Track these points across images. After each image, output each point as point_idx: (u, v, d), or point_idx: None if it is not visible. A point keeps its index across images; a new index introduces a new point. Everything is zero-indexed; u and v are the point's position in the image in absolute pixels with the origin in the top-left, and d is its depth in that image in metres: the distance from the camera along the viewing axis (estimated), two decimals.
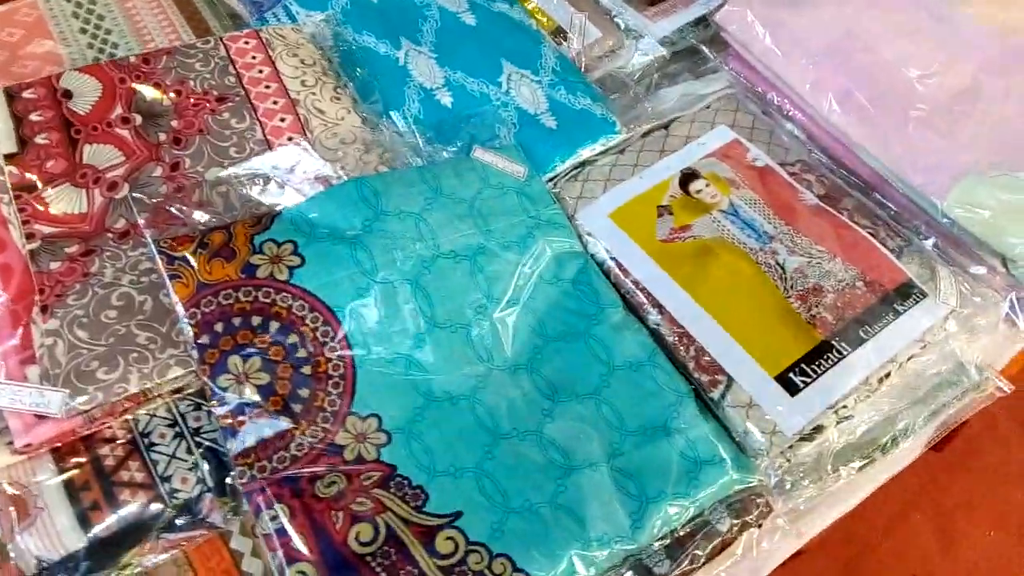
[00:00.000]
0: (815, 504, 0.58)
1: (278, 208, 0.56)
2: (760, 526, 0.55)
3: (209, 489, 0.48)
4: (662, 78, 0.80)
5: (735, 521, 0.53)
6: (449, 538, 0.47)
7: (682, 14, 0.80)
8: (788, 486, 0.55)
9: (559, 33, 0.77)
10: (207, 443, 0.49)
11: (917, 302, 0.58)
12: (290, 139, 0.62)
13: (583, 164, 0.69)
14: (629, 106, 0.75)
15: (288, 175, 0.59)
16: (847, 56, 0.68)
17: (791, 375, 0.55)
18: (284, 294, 0.52)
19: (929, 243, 0.64)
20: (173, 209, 0.56)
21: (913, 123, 0.64)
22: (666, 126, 0.72)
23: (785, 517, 0.56)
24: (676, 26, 0.79)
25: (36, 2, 0.72)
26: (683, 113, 0.72)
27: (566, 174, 0.69)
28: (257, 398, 0.48)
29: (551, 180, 0.69)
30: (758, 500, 0.54)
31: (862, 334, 0.57)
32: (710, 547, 0.52)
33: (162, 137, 0.60)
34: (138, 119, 0.61)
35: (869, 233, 0.63)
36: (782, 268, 0.60)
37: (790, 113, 0.71)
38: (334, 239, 0.54)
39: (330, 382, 0.50)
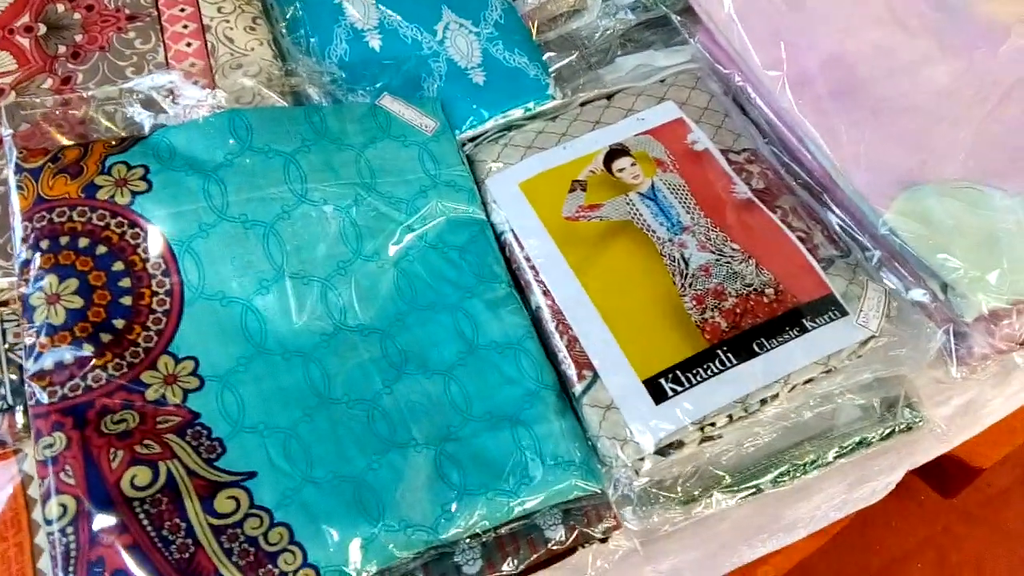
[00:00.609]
0: (680, 528, 0.52)
1: (147, 132, 0.54)
2: (605, 541, 0.49)
3: (10, 407, 0.46)
4: (632, 45, 0.73)
5: (571, 531, 0.48)
6: (232, 497, 0.44)
7: None
8: (642, 502, 0.49)
9: None
10: (20, 360, 0.47)
11: (831, 320, 0.51)
12: (192, 65, 0.60)
13: (510, 127, 0.64)
14: (580, 71, 0.68)
15: (173, 99, 0.56)
16: (815, 36, 0.59)
17: (662, 381, 0.49)
18: (120, 219, 0.49)
19: (874, 257, 0.55)
20: (51, 126, 0.55)
21: (873, 118, 0.56)
22: (610, 96, 0.65)
23: (639, 538, 0.50)
24: None
25: None
26: (632, 84, 0.66)
27: (490, 135, 0.64)
28: (64, 320, 0.46)
29: (473, 140, 0.64)
30: (604, 512, 0.49)
31: (755, 347, 0.50)
32: (534, 555, 0.47)
33: (61, 50, 0.59)
34: (42, 29, 0.59)
35: (800, 237, 0.55)
36: (686, 263, 0.54)
37: (750, 96, 0.63)
38: (189, 169, 0.51)
39: (151, 317, 0.48)
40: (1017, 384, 0.71)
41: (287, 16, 0.67)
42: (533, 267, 0.56)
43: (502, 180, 0.60)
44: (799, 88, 0.58)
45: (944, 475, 1.27)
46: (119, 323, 0.47)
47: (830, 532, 0.97)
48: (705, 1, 0.64)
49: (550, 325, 0.53)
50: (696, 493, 0.50)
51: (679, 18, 0.69)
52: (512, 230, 0.58)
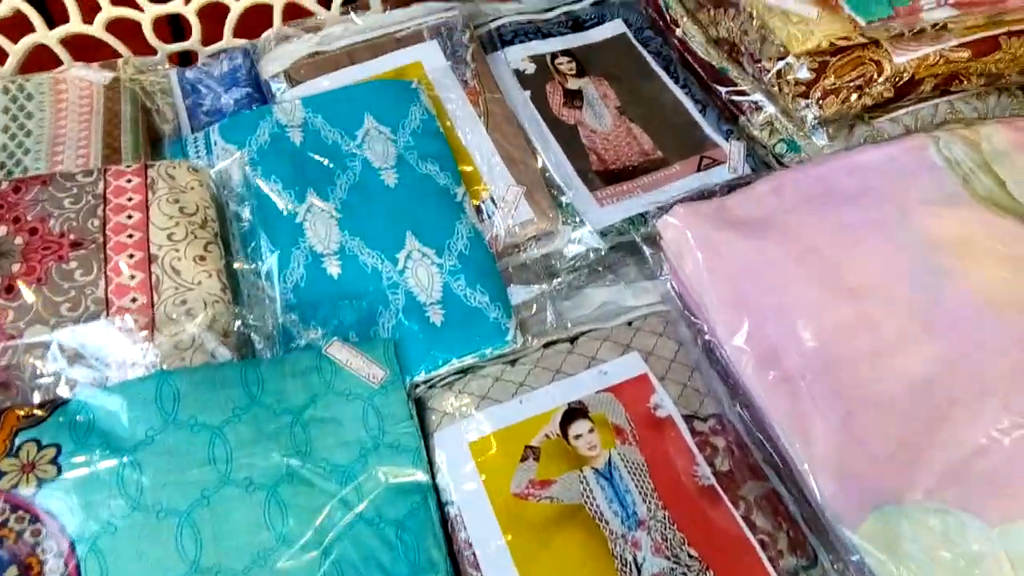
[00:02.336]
0: None
1: (68, 396, 0.50)
2: None
3: None
4: (602, 269, 0.70)
5: None
6: None
7: (637, 201, 0.71)
8: None
9: (492, 204, 0.69)
10: None
11: None
12: (134, 300, 0.57)
13: (467, 369, 0.61)
14: (541, 305, 0.65)
15: (101, 354, 0.53)
16: (786, 306, 0.56)
17: None
18: (21, 512, 0.45)
19: (842, 570, 0.51)
20: None
21: (846, 415, 0.52)
22: (573, 339, 0.62)
23: None
24: (626, 215, 0.70)
25: None
26: (598, 327, 0.63)
27: (444, 379, 0.60)
28: None
29: (427, 382, 0.60)
30: None
31: None
32: None
33: None
34: None
35: (762, 541, 0.51)
36: (638, 569, 0.49)
37: (717, 355, 0.60)
38: (105, 448, 0.48)
39: None
40: None
41: (243, 233, 0.65)
42: (473, 554, 0.51)
43: (452, 437, 0.56)
44: (765, 367, 0.54)
45: None
46: None
47: None
48: (674, 247, 0.61)
49: None
50: None
51: (650, 250, 0.66)
52: (456, 503, 0.54)
